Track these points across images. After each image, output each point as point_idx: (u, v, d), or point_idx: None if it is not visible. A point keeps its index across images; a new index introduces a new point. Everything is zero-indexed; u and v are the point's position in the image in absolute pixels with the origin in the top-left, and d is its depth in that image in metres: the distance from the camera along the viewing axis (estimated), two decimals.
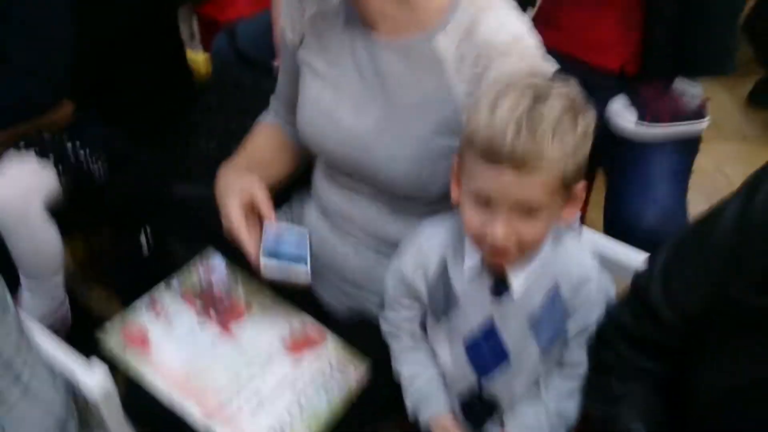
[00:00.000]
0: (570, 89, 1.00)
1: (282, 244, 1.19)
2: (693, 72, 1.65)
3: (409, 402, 1.20)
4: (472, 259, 1.10)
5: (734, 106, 2.77)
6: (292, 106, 1.31)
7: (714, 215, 0.97)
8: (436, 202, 1.20)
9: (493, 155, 0.95)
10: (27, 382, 1.06)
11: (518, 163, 0.94)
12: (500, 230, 0.99)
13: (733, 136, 2.66)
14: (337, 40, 1.20)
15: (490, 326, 1.12)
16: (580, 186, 1.02)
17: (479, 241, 1.04)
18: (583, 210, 2.03)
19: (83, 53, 1.51)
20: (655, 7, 1.60)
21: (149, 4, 1.61)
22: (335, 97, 1.20)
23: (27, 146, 1.55)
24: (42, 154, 1.55)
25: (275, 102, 1.40)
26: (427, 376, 1.20)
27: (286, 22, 1.27)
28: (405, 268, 1.15)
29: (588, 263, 1.12)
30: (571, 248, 1.10)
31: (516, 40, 1.10)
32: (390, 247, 1.24)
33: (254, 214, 1.21)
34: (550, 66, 1.12)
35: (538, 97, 0.95)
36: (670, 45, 1.62)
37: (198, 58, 1.88)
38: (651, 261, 1.08)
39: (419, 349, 1.21)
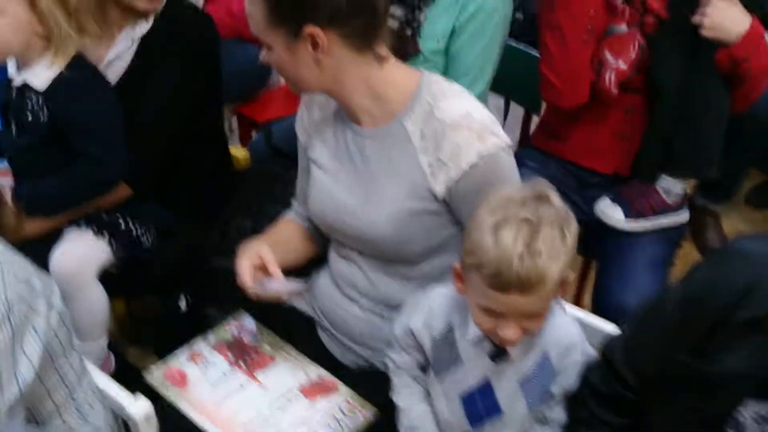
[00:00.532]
0: (554, 206, 1.15)
1: (284, 283, 1.41)
2: (679, 174, 1.84)
3: (403, 429, 1.37)
4: (475, 330, 1.26)
5: (732, 205, 2.88)
6: (307, 200, 1.55)
7: (666, 293, 1.16)
8: (422, 264, 1.42)
9: (501, 286, 1.12)
10: (86, 413, 1.26)
11: (523, 289, 1.11)
12: (511, 334, 1.17)
13: (730, 234, 2.73)
14: (333, 136, 1.46)
15: (487, 385, 1.29)
16: (571, 275, 1.20)
17: (490, 334, 1.22)
18: (579, 294, 2.22)
19: (142, 145, 1.76)
20: (655, 123, 1.82)
21: (202, 107, 1.88)
22: (334, 182, 1.45)
23: (86, 224, 1.77)
24: (98, 230, 1.77)
25: (295, 202, 1.65)
26: (420, 410, 1.36)
27: (299, 128, 1.54)
28: (414, 325, 1.33)
29: (573, 332, 1.28)
30: (558, 319, 1.27)
31: (465, 116, 1.32)
32: (390, 309, 1.45)
33: (266, 274, 1.42)
34: (497, 138, 1.32)
35: (533, 228, 1.11)
36: (661, 153, 1.83)
37: (238, 153, 2.14)
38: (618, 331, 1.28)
39: (416, 386, 1.38)
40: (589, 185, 1.96)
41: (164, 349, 1.52)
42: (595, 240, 1.93)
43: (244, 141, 2.63)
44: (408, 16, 1.80)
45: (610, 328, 1.39)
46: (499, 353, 1.26)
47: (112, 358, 1.89)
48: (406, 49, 1.78)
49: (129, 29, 1.74)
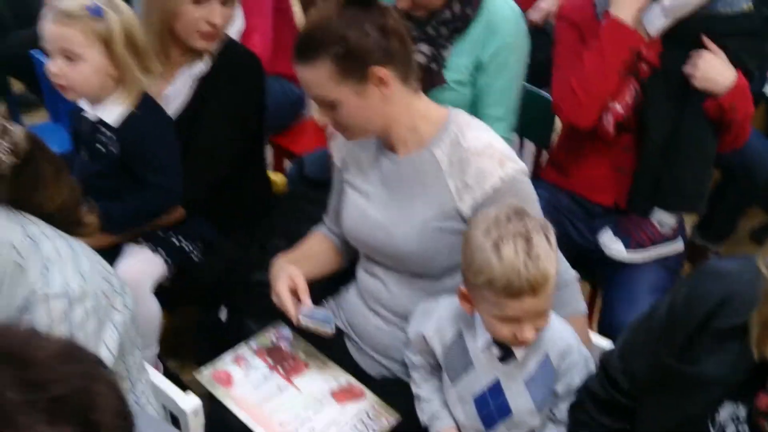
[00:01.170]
0: (537, 219, 1.35)
1: (313, 311, 1.58)
2: (669, 207, 1.99)
3: (424, 416, 1.53)
4: (484, 337, 1.43)
5: (736, 243, 3.00)
6: (338, 218, 1.73)
7: (656, 306, 1.32)
8: (443, 280, 1.58)
9: (514, 293, 1.29)
10: (142, 405, 1.43)
11: (534, 291, 1.29)
12: (529, 334, 1.35)
13: None
14: (368, 162, 1.64)
15: (497, 385, 1.45)
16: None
17: (508, 340, 1.38)
18: (588, 319, 2.36)
19: (198, 173, 1.96)
20: (645, 161, 1.97)
21: (250, 138, 2.08)
22: (367, 201, 1.63)
23: (145, 241, 1.95)
24: (155, 247, 1.95)
25: (326, 218, 1.82)
26: (439, 400, 1.53)
27: (335, 152, 1.74)
28: (426, 331, 1.50)
29: (568, 335, 1.45)
30: (554, 324, 1.44)
31: (487, 146, 1.50)
32: None
33: (294, 296, 1.59)
34: (515, 164, 1.50)
35: (526, 239, 1.29)
36: (651, 188, 1.98)
37: (276, 178, 2.36)
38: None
39: (434, 379, 1.55)
40: (595, 216, 2.12)
41: (205, 357, 1.68)
42: (601, 268, 2.09)
43: (278, 167, 2.82)
44: (434, 53, 1.97)
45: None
46: (506, 355, 1.43)
47: (161, 365, 2.05)
48: (432, 81, 1.95)
49: (186, 67, 1.95)
